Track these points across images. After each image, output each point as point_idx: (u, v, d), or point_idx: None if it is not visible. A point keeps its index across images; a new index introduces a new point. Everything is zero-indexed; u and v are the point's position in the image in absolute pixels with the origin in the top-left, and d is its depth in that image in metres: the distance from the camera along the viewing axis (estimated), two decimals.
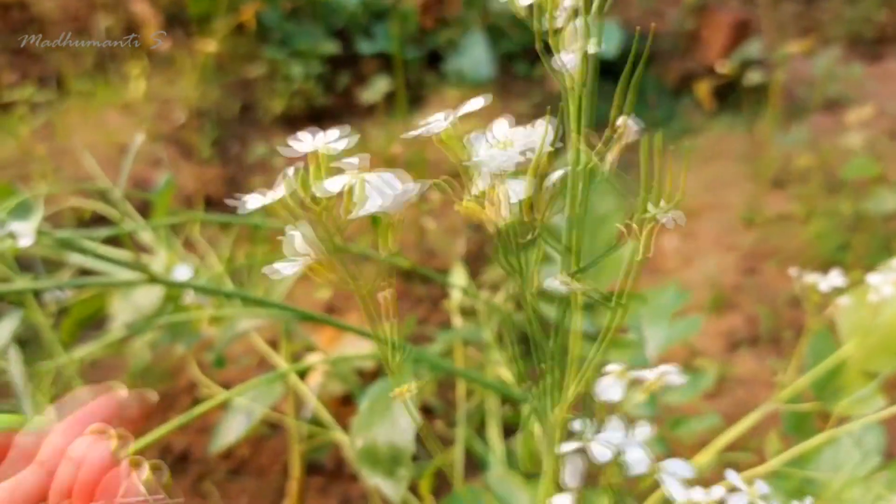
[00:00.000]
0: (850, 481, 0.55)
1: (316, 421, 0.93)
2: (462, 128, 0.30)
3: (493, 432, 0.91)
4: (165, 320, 0.78)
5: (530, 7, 0.28)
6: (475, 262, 1.48)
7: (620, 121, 0.25)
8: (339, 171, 0.27)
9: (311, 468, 1.09)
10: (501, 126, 0.29)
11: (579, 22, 0.27)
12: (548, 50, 0.27)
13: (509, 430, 0.95)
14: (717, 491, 0.32)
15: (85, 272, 0.79)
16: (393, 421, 0.54)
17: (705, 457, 0.63)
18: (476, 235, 1.62)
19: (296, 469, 1.00)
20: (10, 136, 1.72)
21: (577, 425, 0.33)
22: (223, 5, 2.21)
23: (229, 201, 0.28)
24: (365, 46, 2.37)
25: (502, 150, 0.28)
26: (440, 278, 1.17)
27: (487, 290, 1.08)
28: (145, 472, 0.28)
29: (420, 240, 1.56)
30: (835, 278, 0.64)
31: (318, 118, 2.15)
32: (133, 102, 2.00)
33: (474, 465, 0.96)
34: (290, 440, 1.01)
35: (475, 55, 2.34)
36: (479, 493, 0.60)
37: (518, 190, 0.27)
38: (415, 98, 2.21)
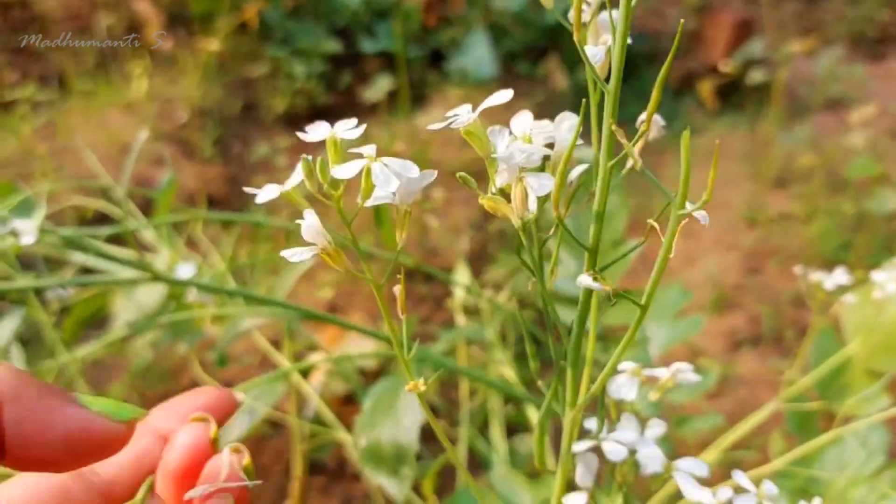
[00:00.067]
0: (855, 480, 0.55)
1: (318, 420, 0.93)
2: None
3: (496, 432, 0.91)
4: (167, 319, 0.78)
5: None
6: (478, 261, 1.48)
7: (643, 117, 0.25)
8: (353, 158, 0.27)
9: (314, 467, 1.09)
10: (522, 120, 0.28)
11: (604, 15, 0.27)
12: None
13: (512, 429, 0.95)
14: (724, 492, 0.32)
15: (87, 271, 0.79)
16: (397, 420, 0.54)
17: (711, 456, 0.63)
18: (479, 234, 1.62)
19: (298, 468, 1.00)
20: (12, 134, 1.72)
21: (589, 424, 0.33)
22: (225, 4, 2.21)
23: (247, 190, 0.28)
24: (367, 45, 2.36)
25: (525, 144, 0.27)
26: (443, 277, 1.17)
27: (490, 288, 1.07)
28: (245, 458, 0.29)
29: (423, 238, 1.55)
30: (840, 276, 0.64)
31: (321, 117, 2.12)
32: (135, 101, 2.00)
33: (477, 464, 0.96)
34: (292, 439, 1.01)
35: (478, 54, 2.34)
36: (483, 492, 0.60)
37: (538, 185, 0.26)
38: (417, 97, 2.21)
